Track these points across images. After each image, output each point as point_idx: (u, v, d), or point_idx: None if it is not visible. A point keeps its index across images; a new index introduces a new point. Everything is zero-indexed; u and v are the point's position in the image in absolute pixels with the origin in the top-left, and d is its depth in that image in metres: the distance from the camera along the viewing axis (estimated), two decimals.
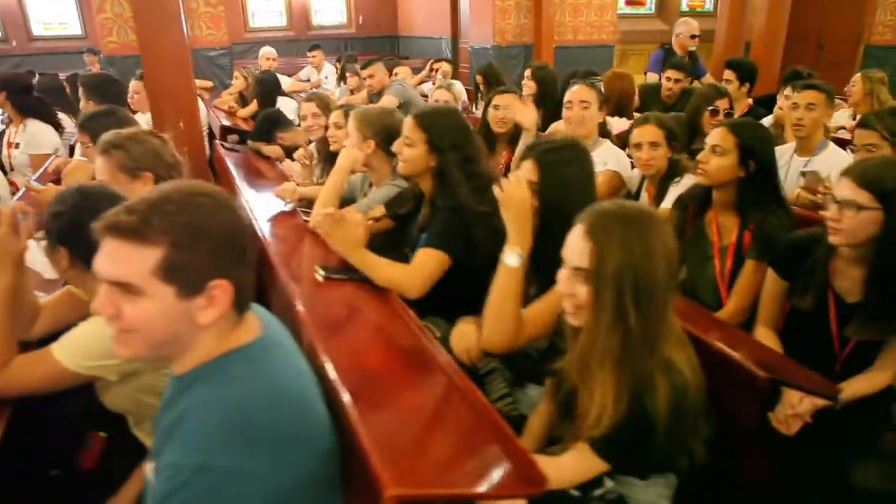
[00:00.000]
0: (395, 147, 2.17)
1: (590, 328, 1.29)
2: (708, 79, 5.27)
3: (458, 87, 5.37)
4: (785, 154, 3.09)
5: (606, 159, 2.84)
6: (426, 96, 5.21)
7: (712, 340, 1.48)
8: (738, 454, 1.86)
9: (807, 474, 1.81)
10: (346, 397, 1.22)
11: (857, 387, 1.81)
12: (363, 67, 5.03)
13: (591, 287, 1.26)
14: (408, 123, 2.12)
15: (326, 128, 3.03)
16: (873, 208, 1.67)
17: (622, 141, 3.60)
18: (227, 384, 1.04)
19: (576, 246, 1.29)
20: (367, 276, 1.88)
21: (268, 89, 5.00)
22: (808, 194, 2.53)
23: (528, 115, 3.00)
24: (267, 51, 6.93)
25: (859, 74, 4.25)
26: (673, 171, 2.61)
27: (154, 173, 2.07)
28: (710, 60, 6.51)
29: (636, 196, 2.84)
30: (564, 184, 1.69)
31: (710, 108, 3.23)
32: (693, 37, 5.40)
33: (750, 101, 4.37)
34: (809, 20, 9.25)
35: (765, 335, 2.01)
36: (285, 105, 5.07)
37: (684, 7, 10.20)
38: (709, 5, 10.38)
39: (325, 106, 3.09)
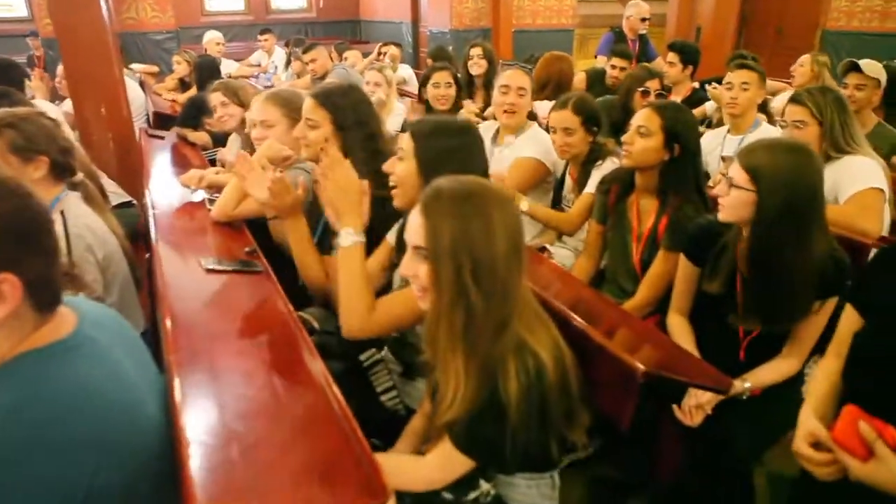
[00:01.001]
0: (296, 132, 2.06)
1: (433, 308, 1.21)
2: (659, 62, 5.21)
3: (401, 72, 5.25)
4: (718, 135, 3.05)
5: (529, 145, 2.73)
6: None
7: (588, 329, 1.39)
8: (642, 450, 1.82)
9: (713, 467, 1.76)
10: (179, 399, 1.12)
11: (763, 376, 1.77)
12: (304, 52, 4.88)
13: (430, 265, 1.18)
14: (309, 105, 2.02)
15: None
16: (748, 189, 1.63)
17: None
18: (15, 387, 0.94)
19: (414, 224, 1.21)
20: (292, 246, 1.84)
21: (205, 74, 4.82)
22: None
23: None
24: (215, 35, 6.67)
25: (808, 56, 4.20)
26: (595, 155, 2.54)
27: (50, 157, 1.93)
28: (663, 44, 6.46)
29: (561, 180, 2.76)
30: (441, 162, 1.57)
31: (641, 89, 3.16)
32: (643, 20, 5.33)
33: (695, 84, 4.32)
34: (769, 5, 9.26)
35: (677, 322, 1.95)
36: None
37: None
38: None
39: (234, 93, 2.92)
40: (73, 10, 3.38)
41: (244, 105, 2.89)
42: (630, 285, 2.20)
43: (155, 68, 6.89)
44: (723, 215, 1.73)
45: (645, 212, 2.17)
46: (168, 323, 1.41)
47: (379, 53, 5.61)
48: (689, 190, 2.08)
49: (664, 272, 2.06)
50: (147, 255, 2.45)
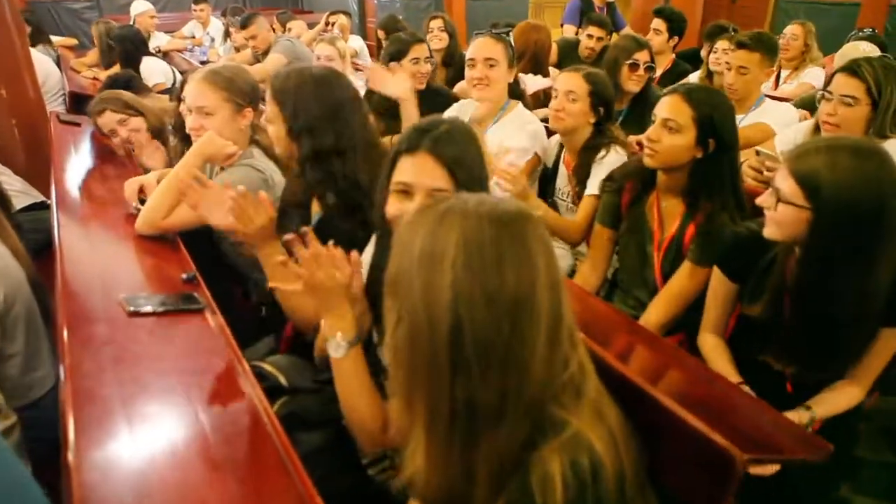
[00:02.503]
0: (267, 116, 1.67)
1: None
2: (627, 32, 4.90)
3: (352, 43, 4.77)
4: None
5: (516, 131, 2.34)
6: None
7: (678, 409, 1.01)
8: None
9: None
10: None
11: (829, 406, 1.48)
12: (243, 25, 4.34)
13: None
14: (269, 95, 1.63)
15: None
16: (801, 206, 1.33)
17: (538, 101, 3.17)
18: None
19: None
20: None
21: (129, 47, 4.25)
22: (754, 173, 2.09)
23: (399, 83, 2.38)
24: (146, 7, 5.79)
25: (799, 27, 3.88)
26: (596, 142, 2.18)
27: None
28: (629, 13, 6.17)
29: (553, 170, 2.40)
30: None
31: (630, 61, 2.81)
32: None
33: (672, 55, 4.02)
34: None
35: (712, 345, 1.64)
36: (153, 66, 4.35)
37: None
38: None
39: (124, 104, 2.42)
40: None
41: (143, 112, 2.43)
42: (649, 298, 1.88)
43: (73, 41, 6.15)
44: (769, 232, 1.42)
45: (668, 215, 1.83)
46: (69, 409, 0.99)
47: (326, 24, 5.10)
48: (725, 192, 1.73)
49: (688, 290, 1.75)
50: None
